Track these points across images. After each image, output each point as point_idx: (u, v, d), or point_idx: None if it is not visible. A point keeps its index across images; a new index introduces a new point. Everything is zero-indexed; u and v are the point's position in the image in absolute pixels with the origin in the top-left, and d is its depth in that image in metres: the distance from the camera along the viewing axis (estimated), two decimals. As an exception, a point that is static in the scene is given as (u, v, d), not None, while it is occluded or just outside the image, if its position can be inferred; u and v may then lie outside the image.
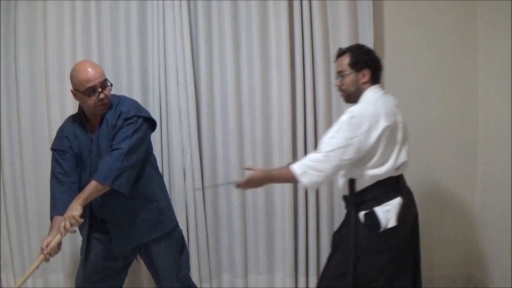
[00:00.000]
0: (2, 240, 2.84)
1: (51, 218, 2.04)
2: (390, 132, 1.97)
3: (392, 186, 2.03)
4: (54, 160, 2.15)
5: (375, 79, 2.11)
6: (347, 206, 2.16)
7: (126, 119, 2.06)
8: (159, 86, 2.74)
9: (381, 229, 1.98)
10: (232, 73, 2.78)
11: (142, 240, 2.19)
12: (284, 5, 2.72)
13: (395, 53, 2.89)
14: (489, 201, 2.88)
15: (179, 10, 2.69)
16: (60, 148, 2.15)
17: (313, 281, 2.88)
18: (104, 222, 2.16)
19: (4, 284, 2.89)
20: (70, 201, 2.00)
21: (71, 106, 2.73)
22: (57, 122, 2.72)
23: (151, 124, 2.20)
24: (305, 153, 2.82)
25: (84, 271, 2.23)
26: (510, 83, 2.58)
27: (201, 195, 2.83)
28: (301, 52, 2.75)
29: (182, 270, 2.31)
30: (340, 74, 2.12)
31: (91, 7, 2.71)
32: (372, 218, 2.00)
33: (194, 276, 2.85)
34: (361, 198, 2.05)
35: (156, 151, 2.77)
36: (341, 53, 2.14)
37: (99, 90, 2.04)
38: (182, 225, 2.79)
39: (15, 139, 2.79)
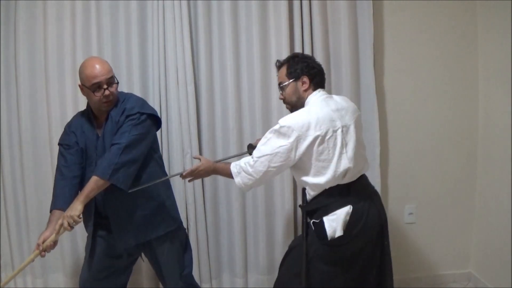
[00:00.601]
0: (2, 240, 2.84)
1: (50, 211, 2.05)
2: (321, 141, 1.93)
3: (341, 194, 1.98)
4: (60, 154, 2.15)
5: (317, 84, 2.09)
6: (302, 214, 2.15)
7: (128, 116, 2.07)
8: (159, 86, 2.74)
9: (328, 239, 1.95)
10: (232, 73, 2.78)
11: (145, 238, 2.19)
12: (284, 5, 2.72)
13: (395, 53, 2.89)
14: (489, 201, 2.88)
15: (179, 10, 2.69)
16: (66, 142, 2.15)
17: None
18: (108, 219, 2.16)
19: (4, 284, 2.89)
20: (70, 195, 2.01)
21: (71, 106, 2.73)
22: (57, 122, 2.73)
23: (156, 121, 2.20)
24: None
25: (89, 269, 2.23)
26: (510, 83, 2.58)
27: (201, 195, 2.83)
28: (301, 52, 2.75)
29: (185, 268, 2.31)
30: (280, 86, 2.12)
31: (91, 7, 2.71)
32: (319, 227, 1.98)
33: (194, 276, 2.85)
34: (311, 207, 2.04)
35: (156, 151, 2.78)
36: (279, 65, 2.15)
37: (105, 87, 2.05)
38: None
39: (15, 139, 2.79)
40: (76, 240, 2.83)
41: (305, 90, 2.07)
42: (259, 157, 1.97)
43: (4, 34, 2.72)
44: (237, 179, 2.03)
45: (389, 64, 2.88)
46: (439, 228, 3.03)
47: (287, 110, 2.74)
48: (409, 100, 2.92)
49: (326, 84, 2.76)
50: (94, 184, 1.98)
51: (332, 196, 1.97)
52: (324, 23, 2.76)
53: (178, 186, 2.78)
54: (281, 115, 2.77)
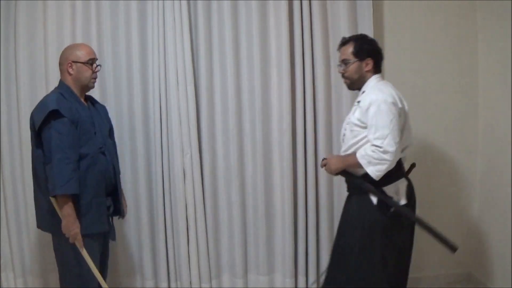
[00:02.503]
0: (2, 240, 2.84)
1: (68, 192, 2.06)
2: (402, 114, 2.12)
3: (397, 168, 2.13)
4: (65, 128, 2.09)
5: (377, 68, 2.22)
6: (354, 190, 2.22)
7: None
8: (159, 86, 2.74)
9: (392, 209, 2.10)
10: (232, 73, 2.78)
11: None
12: (284, 5, 2.72)
13: (395, 53, 2.89)
14: (489, 201, 2.88)
15: (179, 10, 2.69)
16: (70, 117, 2.12)
17: (313, 281, 2.88)
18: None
19: (4, 284, 2.88)
20: (77, 180, 2.08)
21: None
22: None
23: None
24: (305, 153, 2.83)
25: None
26: (510, 83, 2.58)
27: (201, 195, 2.83)
28: (301, 52, 2.75)
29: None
30: (344, 62, 2.23)
31: (91, 7, 2.71)
32: (381, 198, 2.11)
33: (194, 276, 2.86)
34: (366, 179, 2.12)
35: (156, 151, 2.78)
36: (344, 41, 2.25)
37: (97, 63, 2.27)
38: (182, 225, 2.81)
39: (15, 139, 2.79)
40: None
41: (367, 71, 2.20)
42: (383, 140, 2.03)
43: (4, 34, 2.72)
44: (370, 168, 2.06)
45: (389, 64, 2.87)
46: (439, 228, 3.02)
47: (287, 110, 2.77)
48: (409, 100, 2.89)
49: (327, 84, 2.81)
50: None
51: (393, 169, 2.10)
52: (324, 23, 2.76)
53: (178, 186, 2.78)
54: (281, 115, 2.79)
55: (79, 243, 2.11)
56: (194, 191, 2.80)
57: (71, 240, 2.10)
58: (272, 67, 2.80)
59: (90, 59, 2.24)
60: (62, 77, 2.26)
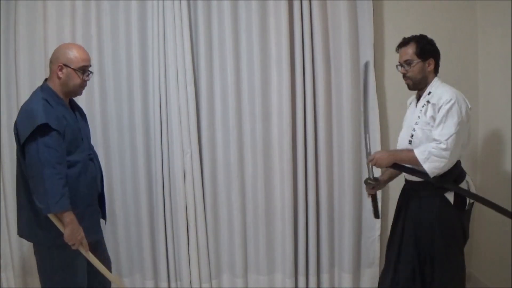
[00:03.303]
0: (2, 240, 2.85)
1: (66, 210, 1.97)
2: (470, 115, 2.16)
3: (459, 166, 2.21)
4: (54, 141, 1.97)
5: (437, 69, 2.24)
6: (424, 191, 2.21)
7: None
8: (159, 86, 2.74)
9: (466, 206, 2.16)
10: (232, 73, 2.78)
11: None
12: (284, 5, 2.72)
13: (395, 53, 2.88)
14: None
15: (179, 10, 2.69)
16: (58, 128, 1.99)
17: (313, 281, 2.88)
18: None
19: (4, 284, 2.89)
20: (68, 195, 1.99)
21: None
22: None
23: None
24: (305, 153, 2.83)
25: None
26: (510, 83, 2.58)
27: (201, 195, 2.83)
28: (301, 52, 2.75)
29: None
30: (406, 62, 2.23)
31: (91, 7, 2.71)
32: (458, 196, 2.14)
33: (194, 276, 2.86)
34: (449, 177, 2.14)
35: (156, 151, 2.78)
36: (405, 42, 2.26)
37: (89, 71, 2.14)
38: (182, 225, 2.80)
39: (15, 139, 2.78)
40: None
41: (429, 71, 2.22)
42: (448, 138, 2.05)
43: (4, 34, 2.72)
44: (426, 165, 2.08)
45: (389, 64, 2.88)
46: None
47: (287, 110, 2.77)
48: (409, 100, 2.92)
49: (327, 84, 2.80)
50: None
51: (460, 166, 2.20)
52: (324, 23, 2.76)
53: (178, 186, 2.78)
54: (281, 115, 2.79)
55: (85, 248, 2.06)
56: (194, 191, 2.80)
57: (76, 247, 2.03)
58: (272, 67, 2.80)
59: (82, 66, 2.09)
60: (49, 77, 2.13)
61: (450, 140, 2.04)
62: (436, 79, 2.23)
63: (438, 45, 2.90)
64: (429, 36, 2.87)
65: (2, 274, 2.88)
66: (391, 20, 2.86)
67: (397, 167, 2.24)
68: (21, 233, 2.20)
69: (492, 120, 2.83)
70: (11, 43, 2.72)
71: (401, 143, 2.31)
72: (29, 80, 2.74)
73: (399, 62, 2.27)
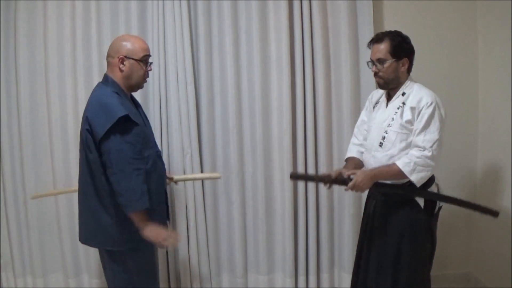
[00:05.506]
0: (2, 240, 2.84)
1: (141, 210, 1.90)
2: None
3: None
4: (135, 136, 1.90)
5: (410, 68, 2.15)
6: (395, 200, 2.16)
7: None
8: (159, 86, 2.74)
9: (437, 209, 2.13)
10: (232, 73, 2.78)
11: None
12: (284, 5, 2.72)
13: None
14: (489, 201, 2.87)
15: (179, 10, 2.69)
16: (137, 121, 1.93)
17: (313, 281, 2.89)
18: None
19: (4, 284, 2.89)
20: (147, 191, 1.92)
21: (71, 106, 2.73)
22: (57, 122, 2.73)
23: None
24: (305, 153, 2.83)
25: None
26: (510, 83, 2.58)
27: (201, 195, 2.83)
28: (301, 52, 2.75)
29: None
30: (379, 61, 2.09)
31: (91, 7, 2.71)
32: (429, 200, 2.11)
33: (194, 276, 2.85)
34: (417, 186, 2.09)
35: (156, 151, 2.78)
36: (378, 38, 2.12)
37: (151, 61, 2.05)
38: (182, 225, 2.81)
39: (15, 139, 2.79)
40: (76, 240, 2.82)
41: (403, 72, 2.11)
42: (432, 145, 2.01)
43: (4, 34, 2.72)
44: (413, 176, 2.01)
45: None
46: (439, 228, 3.01)
47: (287, 110, 2.77)
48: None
49: (327, 84, 2.80)
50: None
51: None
52: (324, 23, 2.76)
53: (178, 186, 2.78)
54: (281, 115, 2.79)
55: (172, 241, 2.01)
56: (194, 191, 2.80)
57: (162, 243, 1.97)
58: (272, 67, 2.80)
59: (144, 56, 1.99)
60: (109, 71, 2.01)
61: (434, 147, 2.00)
62: (410, 79, 2.15)
63: (438, 45, 2.92)
64: (429, 36, 2.89)
65: (2, 274, 2.88)
66: (391, 20, 2.86)
67: (379, 186, 2.11)
68: (87, 239, 2.08)
69: (492, 120, 2.83)
70: (11, 43, 2.72)
71: (371, 145, 2.19)
72: (29, 79, 2.74)
73: (371, 59, 2.13)
